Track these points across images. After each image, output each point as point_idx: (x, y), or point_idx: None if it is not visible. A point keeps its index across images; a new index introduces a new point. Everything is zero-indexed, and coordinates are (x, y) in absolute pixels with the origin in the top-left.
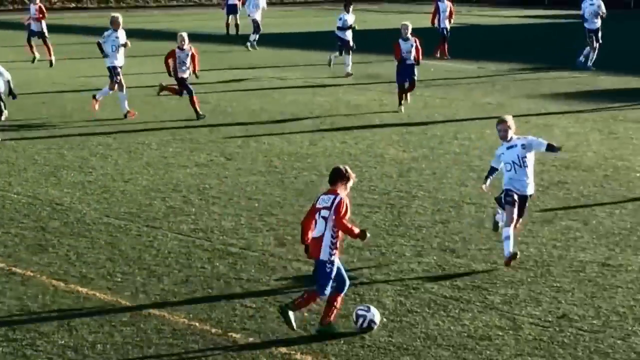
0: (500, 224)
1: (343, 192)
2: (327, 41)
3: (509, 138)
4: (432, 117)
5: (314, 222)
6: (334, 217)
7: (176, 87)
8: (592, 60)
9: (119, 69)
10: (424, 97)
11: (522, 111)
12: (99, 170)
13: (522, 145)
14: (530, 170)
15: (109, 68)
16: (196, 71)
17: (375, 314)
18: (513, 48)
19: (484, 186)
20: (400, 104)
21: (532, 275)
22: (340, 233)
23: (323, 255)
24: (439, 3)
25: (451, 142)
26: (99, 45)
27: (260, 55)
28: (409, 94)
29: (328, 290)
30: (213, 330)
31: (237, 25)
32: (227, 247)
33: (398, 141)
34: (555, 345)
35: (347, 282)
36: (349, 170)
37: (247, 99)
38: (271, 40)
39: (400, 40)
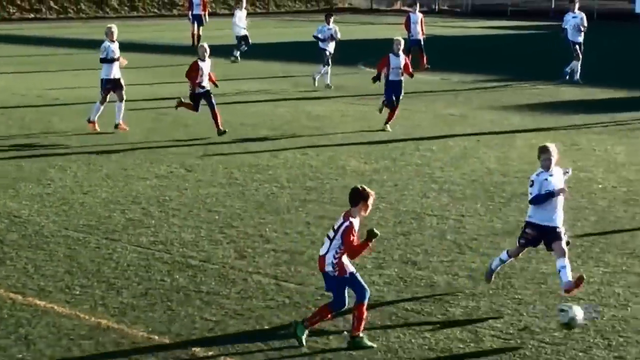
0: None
1: (363, 212)
2: (288, 52)
3: (551, 169)
4: (393, 128)
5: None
6: (340, 241)
7: (191, 103)
8: (571, 69)
9: (111, 83)
10: (386, 109)
11: (485, 123)
12: (57, 183)
13: (565, 172)
14: (561, 200)
15: (102, 80)
16: (215, 81)
17: (577, 312)
18: (476, 59)
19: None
20: (389, 121)
21: (494, 287)
22: (342, 252)
23: (328, 269)
24: (410, 14)
25: (413, 154)
26: (103, 60)
27: (220, 67)
28: (395, 113)
29: (342, 305)
30: (172, 344)
31: (199, 37)
32: (186, 259)
33: (360, 153)
34: (517, 358)
35: (368, 292)
36: (366, 188)
37: (207, 110)
38: (231, 51)
39: (391, 55)
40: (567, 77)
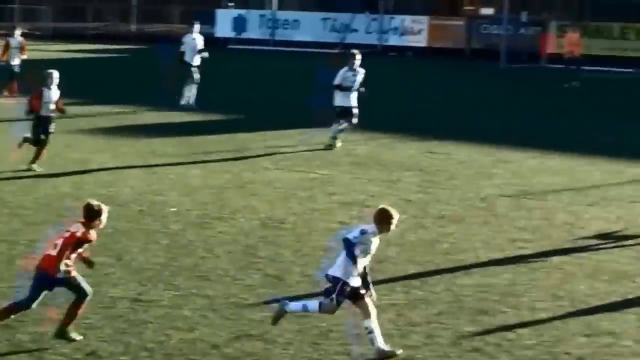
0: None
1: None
2: None
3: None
4: None
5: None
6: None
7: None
8: (194, 98)
9: None
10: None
11: (60, 147)
12: None
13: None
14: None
15: None
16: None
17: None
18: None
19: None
20: (36, 160)
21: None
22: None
23: (60, 275)
24: (9, 39)
25: None
26: None
27: None
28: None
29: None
30: None
31: None
32: None
33: None
34: None
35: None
36: (101, 205)
37: None
38: None
39: (45, 89)
40: (184, 101)
